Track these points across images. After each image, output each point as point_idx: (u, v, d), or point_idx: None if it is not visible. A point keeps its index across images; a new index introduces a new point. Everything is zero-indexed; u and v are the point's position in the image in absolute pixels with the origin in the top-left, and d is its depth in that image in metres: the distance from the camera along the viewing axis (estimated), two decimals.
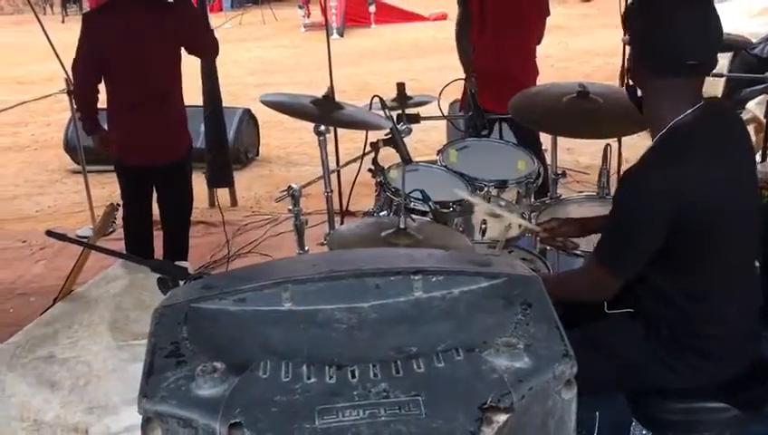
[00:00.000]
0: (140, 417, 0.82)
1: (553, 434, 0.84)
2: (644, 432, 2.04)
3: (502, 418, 0.74)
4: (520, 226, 2.52)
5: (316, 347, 0.88)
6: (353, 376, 0.80)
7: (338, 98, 2.80)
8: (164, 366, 0.83)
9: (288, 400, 0.76)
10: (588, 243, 2.43)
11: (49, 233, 1.94)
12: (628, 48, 1.95)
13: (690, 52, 1.75)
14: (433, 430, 0.71)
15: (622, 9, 2.00)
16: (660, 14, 1.75)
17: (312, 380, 0.79)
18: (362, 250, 1.64)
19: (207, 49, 3.68)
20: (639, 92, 1.88)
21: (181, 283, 1.92)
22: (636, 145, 4.88)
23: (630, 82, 1.91)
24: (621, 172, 4.00)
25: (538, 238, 2.52)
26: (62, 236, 1.93)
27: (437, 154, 3.02)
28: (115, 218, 2.95)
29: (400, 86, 3.15)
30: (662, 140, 1.79)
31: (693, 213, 1.73)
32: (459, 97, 4.42)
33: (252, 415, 0.75)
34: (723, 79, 5.36)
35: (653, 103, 1.83)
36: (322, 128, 2.76)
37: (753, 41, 6.30)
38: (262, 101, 2.60)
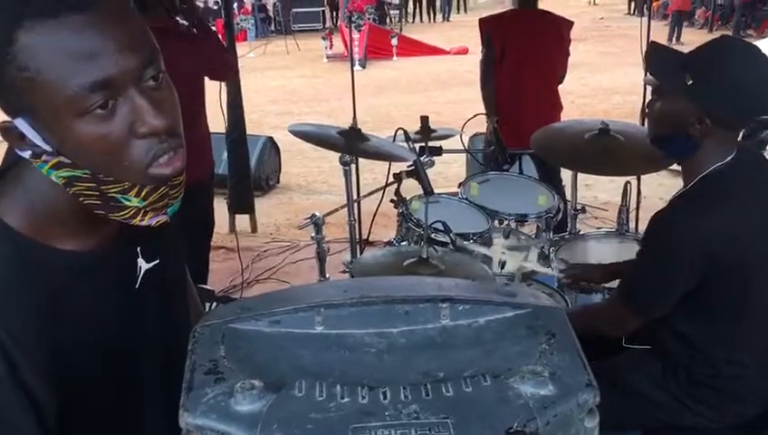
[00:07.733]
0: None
1: None
2: None
3: None
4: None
5: (348, 369, 0.91)
6: (385, 397, 0.83)
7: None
8: (203, 382, 0.86)
9: (323, 417, 0.80)
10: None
11: None
12: (649, 88, 1.96)
13: (761, 108, 1.77)
14: None
15: (644, 48, 1.99)
16: (735, 70, 1.71)
17: (346, 399, 0.83)
18: (392, 278, 1.68)
19: (225, 75, 3.75)
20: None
21: (207, 304, 1.97)
22: (655, 183, 4.92)
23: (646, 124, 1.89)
24: (640, 209, 4.05)
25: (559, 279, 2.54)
26: None
27: (459, 187, 3.06)
28: None
29: (424, 119, 3.21)
30: (698, 186, 1.78)
31: (722, 260, 1.73)
32: (480, 131, 4.49)
33: (289, 431, 0.78)
34: None
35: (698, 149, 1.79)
36: (348, 158, 2.82)
37: None
38: (290, 131, 2.66)
